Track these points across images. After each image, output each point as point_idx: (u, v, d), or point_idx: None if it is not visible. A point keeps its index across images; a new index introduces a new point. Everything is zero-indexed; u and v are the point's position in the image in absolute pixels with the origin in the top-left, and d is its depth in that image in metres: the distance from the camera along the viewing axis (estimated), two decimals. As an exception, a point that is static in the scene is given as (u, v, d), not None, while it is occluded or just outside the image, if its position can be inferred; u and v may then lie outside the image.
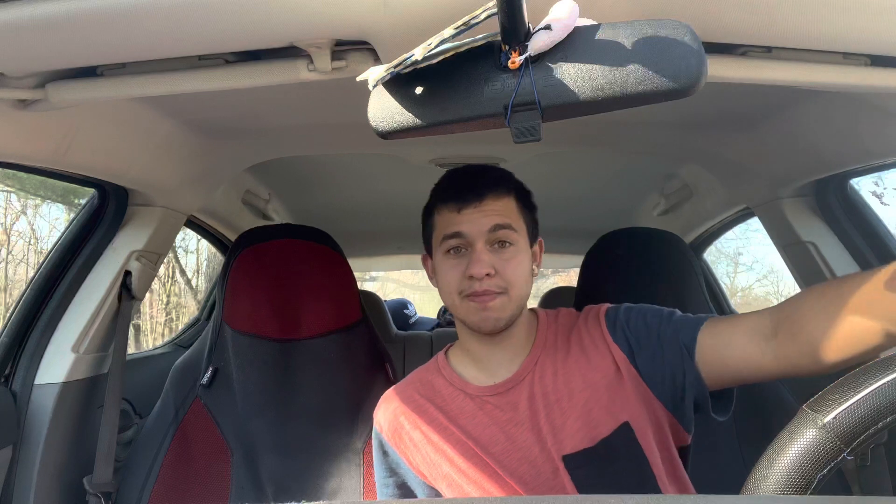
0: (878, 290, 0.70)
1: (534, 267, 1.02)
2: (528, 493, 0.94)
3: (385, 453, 1.08)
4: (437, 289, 1.06)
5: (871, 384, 0.44)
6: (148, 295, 1.99)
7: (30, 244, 5.38)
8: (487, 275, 0.94)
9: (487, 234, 0.95)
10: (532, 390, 0.98)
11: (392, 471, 1.08)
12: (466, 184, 0.99)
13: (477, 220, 0.96)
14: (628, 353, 0.96)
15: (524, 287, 0.98)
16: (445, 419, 1.01)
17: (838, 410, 0.44)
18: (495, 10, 0.55)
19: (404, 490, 1.08)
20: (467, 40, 0.60)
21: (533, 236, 1.03)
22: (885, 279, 0.71)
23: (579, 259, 1.76)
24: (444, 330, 2.80)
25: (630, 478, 0.93)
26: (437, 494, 1.04)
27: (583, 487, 0.93)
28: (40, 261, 1.45)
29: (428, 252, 1.08)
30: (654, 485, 0.94)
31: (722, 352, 0.87)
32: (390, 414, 1.06)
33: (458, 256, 0.97)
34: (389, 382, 1.46)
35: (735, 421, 1.54)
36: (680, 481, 0.98)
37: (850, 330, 0.74)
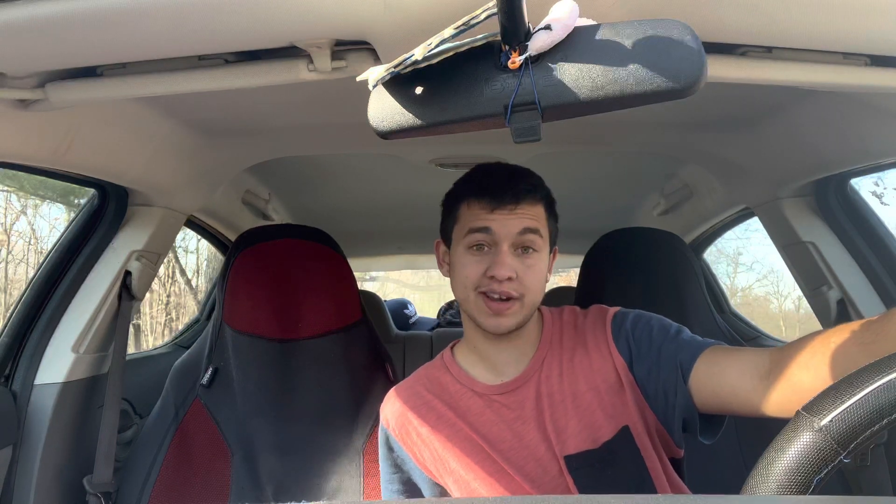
0: (861, 343, 0.70)
1: (547, 274, 1.02)
2: (536, 490, 0.94)
3: (391, 449, 1.08)
4: (446, 277, 1.05)
5: (867, 386, 0.44)
6: (148, 295, 1.99)
7: (30, 244, 5.38)
8: (509, 279, 0.93)
9: (515, 236, 0.94)
10: (539, 390, 0.99)
11: (398, 467, 1.08)
12: (503, 184, 0.96)
13: (509, 222, 0.94)
14: (627, 361, 0.97)
15: (538, 294, 0.98)
16: (454, 416, 1.01)
17: (835, 413, 0.43)
18: (495, 10, 0.54)
19: (409, 487, 1.08)
20: (467, 40, 0.59)
21: (552, 242, 1.03)
22: (867, 332, 0.70)
23: (579, 259, 1.76)
24: (444, 330, 2.81)
25: (629, 480, 0.94)
26: (444, 491, 1.04)
27: (583, 488, 0.93)
28: (40, 261, 1.45)
29: (444, 239, 1.05)
30: (652, 487, 0.94)
31: (715, 380, 0.87)
32: (398, 410, 1.06)
33: (481, 254, 0.96)
34: (389, 382, 1.46)
35: (735, 421, 1.54)
36: (676, 486, 0.98)
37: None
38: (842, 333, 0.73)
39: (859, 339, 0.70)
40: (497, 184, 0.96)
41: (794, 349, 0.78)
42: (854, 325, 0.73)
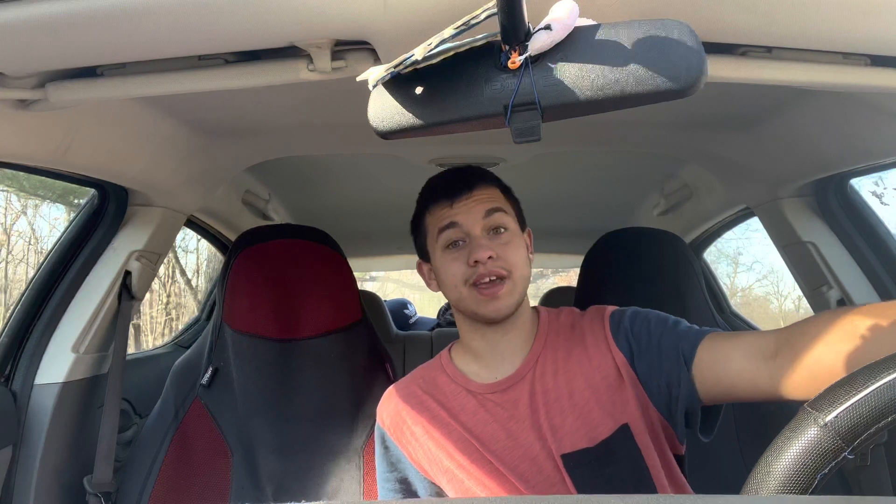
0: (888, 322, 0.68)
1: (528, 255, 1.04)
2: (530, 490, 0.94)
3: (386, 447, 1.09)
4: (437, 291, 1.06)
5: (873, 382, 0.44)
6: (148, 295, 1.99)
7: (30, 244, 5.38)
8: (490, 258, 0.95)
9: (482, 220, 0.98)
10: (533, 388, 0.99)
11: (393, 466, 1.09)
12: (453, 180, 1.02)
13: (470, 208, 0.99)
14: (628, 357, 0.97)
15: (525, 269, 1.00)
16: (447, 415, 1.01)
17: (840, 409, 0.43)
18: (495, 10, 0.54)
19: (405, 486, 1.08)
20: (467, 40, 0.59)
21: (522, 224, 1.05)
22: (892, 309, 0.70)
23: (579, 259, 1.76)
24: (444, 330, 2.80)
25: (627, 479, 0.94)
26: (439, 490, 1.04)
27: (581, 486, 0.93)
28: (40, 261, 1.45)
29: (422, 259, 1.09)
30: (651, 486, 0.94)
31: (718, 366, 0.87)
32: (392, 409, 1.07)
33: (458, 249, 0.99)
34: (389, 382, 1.45)
35: (735, 421, 1.54)
36: (677, 483, 0.98)
37: (856, 362, 0.69)
38: (864, 312, 0.71)
39: (886, 314, 0.69)
40: (448, 182, 1.02)
41: (804, 328, 0.77)
42: (876, 305, 0.72)
